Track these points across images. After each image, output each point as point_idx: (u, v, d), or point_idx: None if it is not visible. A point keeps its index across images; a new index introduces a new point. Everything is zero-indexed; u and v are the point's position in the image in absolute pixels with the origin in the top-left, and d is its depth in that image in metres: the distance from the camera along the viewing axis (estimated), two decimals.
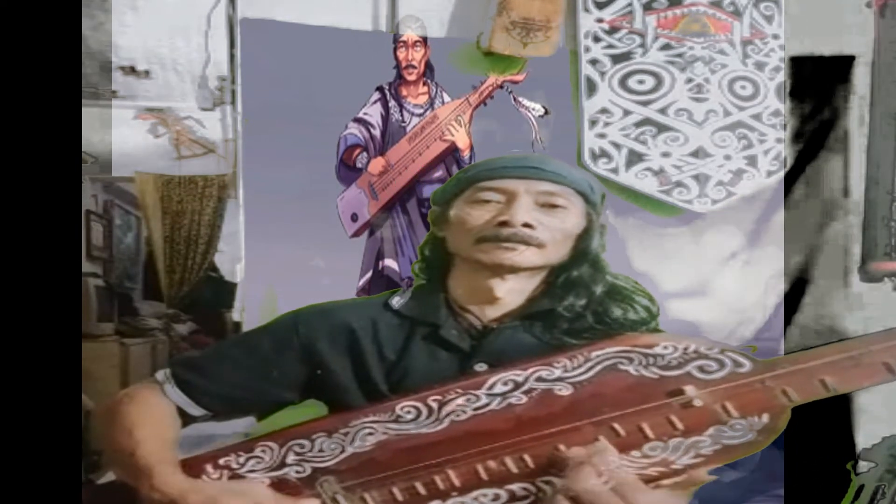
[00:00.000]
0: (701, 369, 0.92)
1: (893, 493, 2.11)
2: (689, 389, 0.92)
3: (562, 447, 0.93)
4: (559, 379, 0.93)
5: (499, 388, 0.94)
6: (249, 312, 2.06)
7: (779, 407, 0.91)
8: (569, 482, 0.90)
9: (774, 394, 0.90)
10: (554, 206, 1.04)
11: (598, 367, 0.94)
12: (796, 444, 2.10)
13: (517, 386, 0.94)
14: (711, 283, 2.19)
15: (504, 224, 1.01)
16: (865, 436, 2.15)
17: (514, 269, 1.02)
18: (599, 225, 1.08)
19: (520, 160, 1.09)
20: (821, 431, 2.14)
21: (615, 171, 2.11)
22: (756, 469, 2.26)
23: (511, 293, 1.03)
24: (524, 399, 0.94)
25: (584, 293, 1.03)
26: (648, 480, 0.93)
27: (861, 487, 2.12)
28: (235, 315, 2.13)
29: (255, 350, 1.08)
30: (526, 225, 1.01)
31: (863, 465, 2.13)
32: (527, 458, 0.93)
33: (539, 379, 0.94)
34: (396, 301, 1.08)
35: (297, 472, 0.98)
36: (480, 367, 0.98)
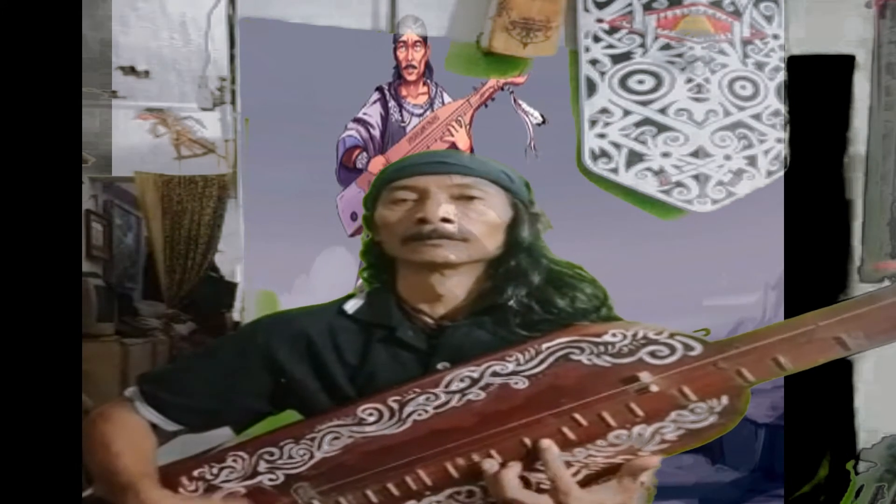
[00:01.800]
0: (652, 355, 0.92)
1: (894, 493, 2.11)
2: (644, 375, 0.91)
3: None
4: (514, 373, 0.93)
5: (456, 385, 0.94)
6: (249, 312, 2.06)
7: (736, 388, 0.90)
8: (497, 491, 0.90)
9: (729, 375, 0.90)
10: (470, 198, 1.03)
11: (551, 359, 0.93)
12: (796, 445, 2.10)
13: (474, 382, 0.94)
14: (711, 283, 2.19)
15: (423, 221, 1.01)
16: (865, 436, 2.15)
17: (448, 266, 1.01)
18: (529, 213, 1.07)
19: (427, 156, 1.09)
20: (821, 431, 2.14)
21: (615, 171, 2.11)
22: (756, 469, 2.26)
23: (455, 288, 1.03)
24: (482, 395, 0.93)
25: (524, 283, 1.02)
26: (615, 469, 0.93)
27: (861, 487, 2.12)
28: (235, 315, 2.13)
29: (220, 361, 1.08)
30: (445, 220, 1.01)
31: (863, 465, 2.13)
32: (493, 453, 0.93)
33: (494, 374, 0.94)
34: (350, 305, 1.07)
35: (271, 479, 0.97)
36: (444, 365, 0.97)
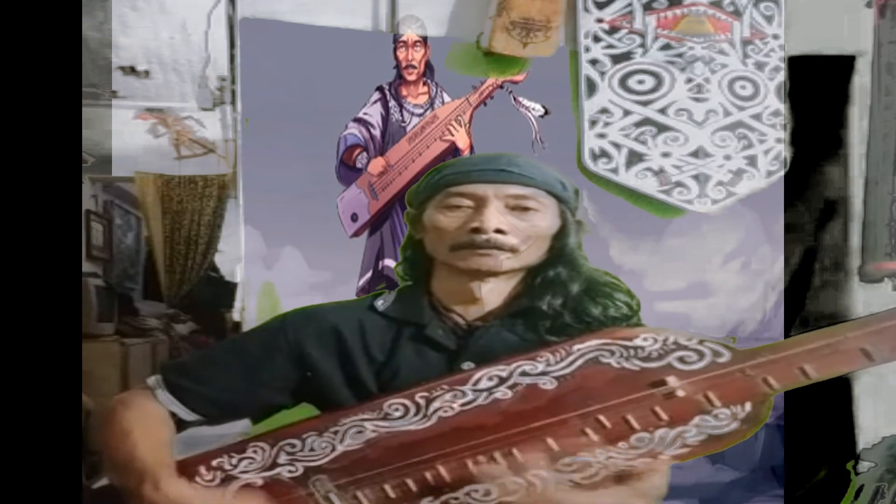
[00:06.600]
0: (681, 360, 0.93)
1: (893, 493, 2.11)
2: (671, 380, 0.92)
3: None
4: (543, 373, 0.94)
5: (484, 384, 0.95)
6: (249, 312, 2.06)
7: (760, 395, 0.91)
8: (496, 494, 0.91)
9: (755, 382, 0.91)
10: (525, 209, 1.04)
11: (581, 361, 0.94)
12: (796, 444, 2.10)
13: (502, 381, 0.95)
14: (711, 283, 2.19)
15: (477, 230, 1.01)
16: (865, 436, 2.15)
17: (492, 274, 1.02)
18: (575, 222, 1.08)
19: (488, 162, 1.08)
20: (821, 431, 2.14)
21: (615, 171, 2.11)
22: (756, 469, 2.26)
23: (492, 293, 1.04)
24: (509, 394, 0.95)
25: (561, 292, 1.03)
26: (636, 473, 0.94)
27: (861, 487, 2.12)
28: (235, 315, 2.13)
29: (245, 354, 1.08)
30: (498, 231, 1.01)
31: (863, 465, 2.13)
32: (515, 452, 0.94)
33: (523, 373, 0.95)
34: (381, 303, 1.08)
35: (290, 471, 0.98)
36: (468, 365, 0.98)
